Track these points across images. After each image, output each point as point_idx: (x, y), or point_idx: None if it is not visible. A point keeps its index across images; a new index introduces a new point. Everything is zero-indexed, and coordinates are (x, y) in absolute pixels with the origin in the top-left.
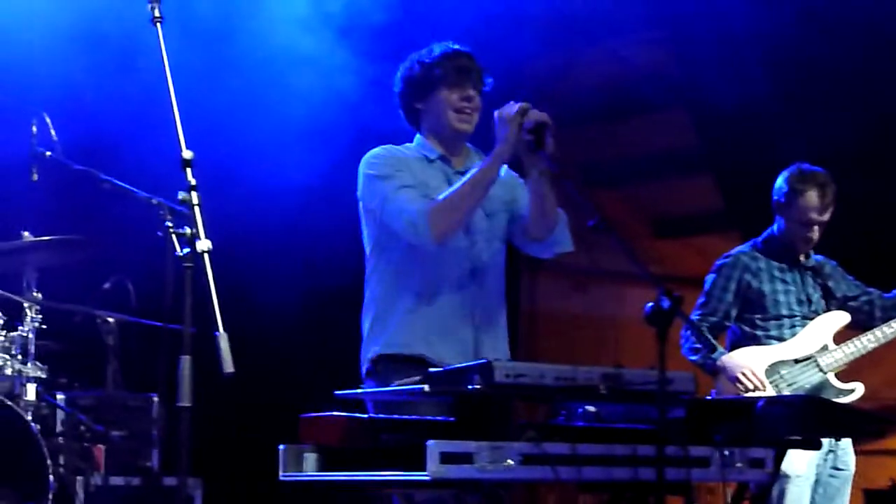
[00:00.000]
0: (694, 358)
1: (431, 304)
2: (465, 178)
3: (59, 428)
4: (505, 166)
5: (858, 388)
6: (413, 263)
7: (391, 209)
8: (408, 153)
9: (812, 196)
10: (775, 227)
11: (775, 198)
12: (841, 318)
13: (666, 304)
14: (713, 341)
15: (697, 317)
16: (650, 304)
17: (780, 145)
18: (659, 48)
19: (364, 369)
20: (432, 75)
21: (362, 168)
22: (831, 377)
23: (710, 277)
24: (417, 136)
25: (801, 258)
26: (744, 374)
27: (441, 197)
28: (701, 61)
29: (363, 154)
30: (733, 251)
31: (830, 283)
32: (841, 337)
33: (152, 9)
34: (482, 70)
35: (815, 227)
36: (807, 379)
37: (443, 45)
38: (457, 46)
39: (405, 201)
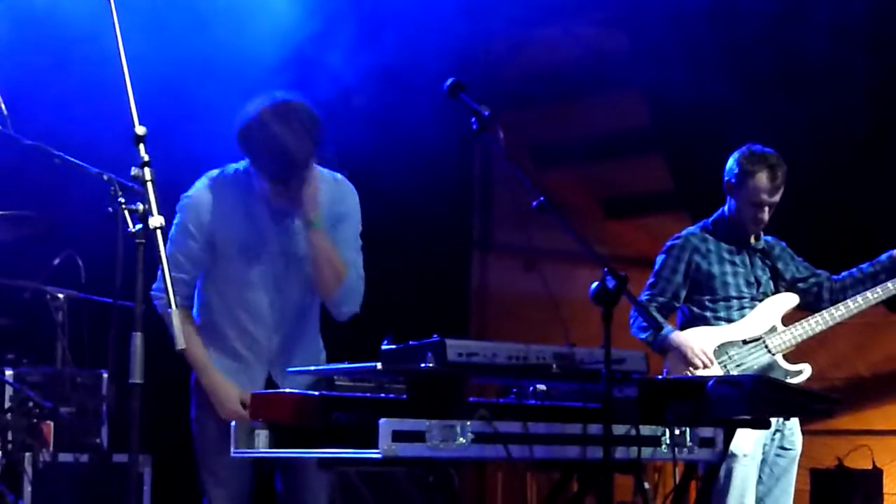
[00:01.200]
0: (643, 336)
1: (227, 341)
2: (198, 361)
3: (7, 404)
4: (337, 178)
5: (806, 370)
6: (216, 294)
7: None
8: (231, 190)
9: (762, 177)
10: (726, 207)
11: (726, 179)
12: (789, 300)
13: (611, 283)
14: (660, 319)
15: (646, 297)
16: (596, 283)
17: (732, 127)
18: (611, 28)
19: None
20: (255, 159)
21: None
22: (779, 358)
23: (659, 258)
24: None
25: (751, 240)
26: (692, 352)
27: (182, 329)
28: (653, 41)
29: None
30: (683, 232)
31: (779, 265)
32: (789, 319)
33: None
34: (306, 153)
35: (766, 208)
36: (755, 360)
37: (275, 123)
38: (288, 127)
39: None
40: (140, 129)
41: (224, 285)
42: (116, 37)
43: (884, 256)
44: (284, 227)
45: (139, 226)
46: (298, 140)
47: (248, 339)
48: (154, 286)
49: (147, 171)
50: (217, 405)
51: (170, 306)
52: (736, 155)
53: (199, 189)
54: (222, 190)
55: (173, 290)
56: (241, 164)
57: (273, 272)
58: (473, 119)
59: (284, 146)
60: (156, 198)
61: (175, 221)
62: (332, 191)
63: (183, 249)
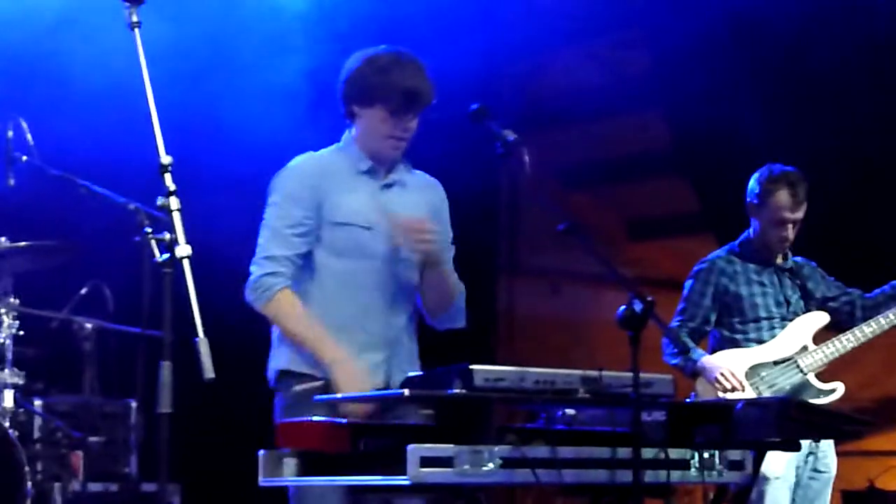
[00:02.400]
0: (674, 362)
1: (340, 329)
2: (305, 331)
3: (36, 434)
4: (424, 176)
5: (839, 388)
6: (323, 285)
7: (259, 248)
8: (333, 162)
9: (783, 195)
10: (751, 229)
11: (748, 200)
12: (820, 319)
13: (638, 307)
14: (688, 343)
15: (677, 323)
16: (622, 307)
17: (756, 147)
18: (632, 49)
19: (272, 380)
20: (376, 89)
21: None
22: (811, 378)
23: (687, 283)
24: (348, 133)
25: (779, 259)
26: (723, 375)
27: (286, 309)
28: (676, 63)
29: None
30: (710, 256)
31: (809, 284)
32: (821, 338)
33: (130, 13)
34: (431, 89)
35: (789, 226)
36: (787, 380)
37: (397, 54)
38: (411, 60)
39: (264, 252)
40: (166, 159)
41: (336, 259)
42: (141, 66)
43: None
44: (391, 198)
45: (166, 255)
46: (420, 74)
47: (364, 319)
48: (248, 283)
49: (173, 200)
50: (342, 383)
51: (196, 335)
52: (756, 175)
53: (299, 159)
54: (322, 160)
55: (273, 273)
56: (330, 148)
57: (384, 240)
58: (498, 144)
59: (414, 76)
60: (182, 227)
61: (272, 199)
62: (430, 188)
63: (287, 221)
